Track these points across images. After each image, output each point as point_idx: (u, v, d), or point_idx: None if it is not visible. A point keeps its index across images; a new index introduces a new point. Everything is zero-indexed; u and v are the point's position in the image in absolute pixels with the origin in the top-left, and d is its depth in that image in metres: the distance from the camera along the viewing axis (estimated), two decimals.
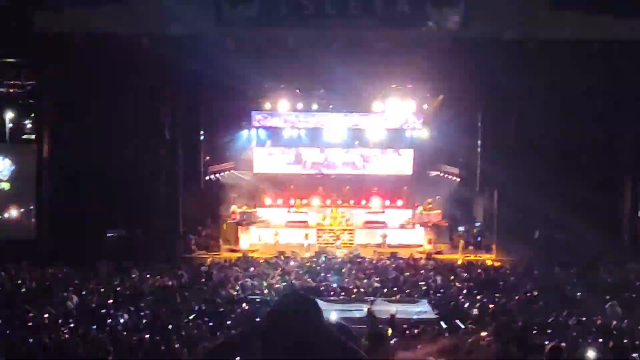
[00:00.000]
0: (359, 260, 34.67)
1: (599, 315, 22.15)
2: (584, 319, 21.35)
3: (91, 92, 35.00)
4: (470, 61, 35.27)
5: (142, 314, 21.53)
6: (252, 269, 32.14)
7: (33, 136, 38.02)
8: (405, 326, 20.21)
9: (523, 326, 19.63)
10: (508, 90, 35.73)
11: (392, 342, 16.55)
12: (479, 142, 38.58)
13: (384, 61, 36.48)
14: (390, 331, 18.01)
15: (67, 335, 17.90)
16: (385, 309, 23.95)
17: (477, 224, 41.23)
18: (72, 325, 19.68)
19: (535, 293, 26.68)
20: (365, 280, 29.43)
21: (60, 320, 20.48)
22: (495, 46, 34.18)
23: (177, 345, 16.59)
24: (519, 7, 33.87)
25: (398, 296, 26.85)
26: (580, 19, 34.09)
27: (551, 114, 35.15)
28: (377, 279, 29.79)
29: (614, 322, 20.67)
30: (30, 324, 20.09)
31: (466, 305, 24.35)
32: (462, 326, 19.91)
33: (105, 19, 34.20)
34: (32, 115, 38.44)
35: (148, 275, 29.93)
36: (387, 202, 43.24)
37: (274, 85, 39.49)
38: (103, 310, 22.03)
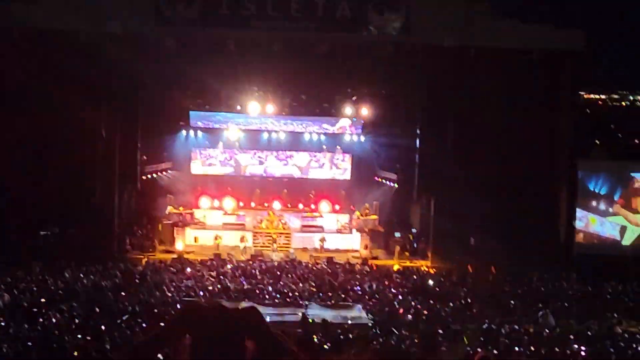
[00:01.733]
0: (295, 264, 34.61)
1: (531, 323, 22.40)
2: (516, 327, 21.54)
3: (26, 87, 34.39)
4: (411, 67, 35.39)
5: (75, 313, 21.24)
6: (187, 270, 31.93)
7: None
8: (339, 331, 20.20)
9: (456, 332, 19.74)
10: (448, 97, 35.89)
11: (324, 346, 16.49)
12: (417, 148, 38.67)
13: (324, 65, 36.46)
14: (315, 338, 17.87)
15: None
16: (320, 313, 23.97)
17: (414, 230, 41.36)
18: (2, 324, 19.36)
19: (469, 300, 26.88)
20: (300, 285, 29.38)
21: None
22: (436, 53, 34.36)
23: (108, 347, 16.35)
24: (461, 14, 34.18)
25: (333, 301, 26.88)
26: (521, 28, 34.48)
27: (490, 122, 35.29)
28: (313, 283, 29.78)
29: (547, 331, 20.88)
30: None
31: (401, 311, 24.44)
32: (396, 332, 19.93)
33: (42, 14, 33.76)
34: None
35: (82, 275, 29.59)
36: (325, 207, 43.15)
37: (214, 86, 39.19)
38: (35, 310, 21.71)
